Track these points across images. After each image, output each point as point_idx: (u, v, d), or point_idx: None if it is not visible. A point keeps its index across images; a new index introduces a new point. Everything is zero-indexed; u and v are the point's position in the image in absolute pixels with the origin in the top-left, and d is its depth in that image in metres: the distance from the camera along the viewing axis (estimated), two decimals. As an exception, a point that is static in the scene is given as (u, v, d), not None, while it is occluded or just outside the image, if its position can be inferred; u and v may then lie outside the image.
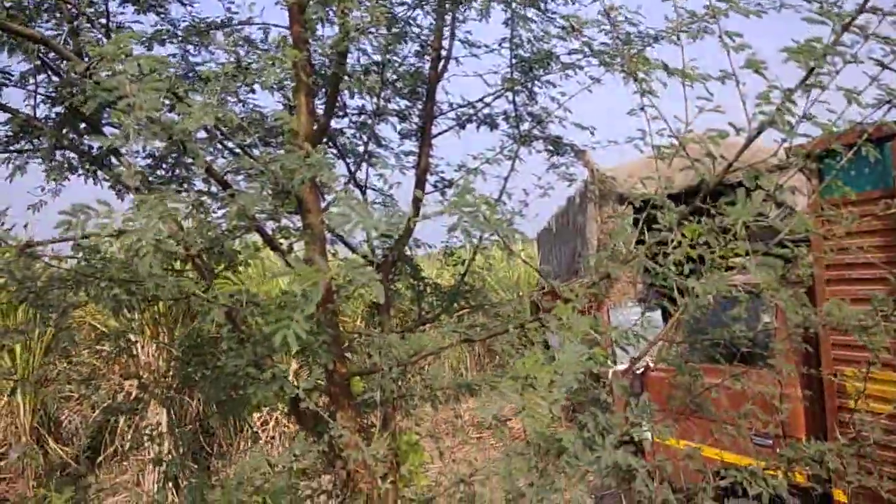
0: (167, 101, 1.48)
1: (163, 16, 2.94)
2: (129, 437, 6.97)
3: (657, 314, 5.89)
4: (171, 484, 6.68)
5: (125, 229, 1.11)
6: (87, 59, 1.65)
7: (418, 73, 3.15)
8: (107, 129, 2.61)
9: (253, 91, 3.11)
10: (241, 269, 2.35)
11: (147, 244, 1.05)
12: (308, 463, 2.29)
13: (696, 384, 2.78)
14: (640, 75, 2.97)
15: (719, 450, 3.19)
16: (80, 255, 1.70)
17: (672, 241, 1.68)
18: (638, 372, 4.68)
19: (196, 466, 6.82)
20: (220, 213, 1.99)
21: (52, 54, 2.59)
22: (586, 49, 3.15)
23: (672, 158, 2.36)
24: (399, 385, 2.28)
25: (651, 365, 4.72)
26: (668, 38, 2.98)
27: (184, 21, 2.94)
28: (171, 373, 6.75)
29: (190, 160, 1.80)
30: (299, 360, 2.08)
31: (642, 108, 3.07)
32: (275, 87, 3.05)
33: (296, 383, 1.89)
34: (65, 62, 2.40)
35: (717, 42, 2.02)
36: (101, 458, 7.43)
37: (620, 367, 5.26)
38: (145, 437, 4.86)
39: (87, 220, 1.04)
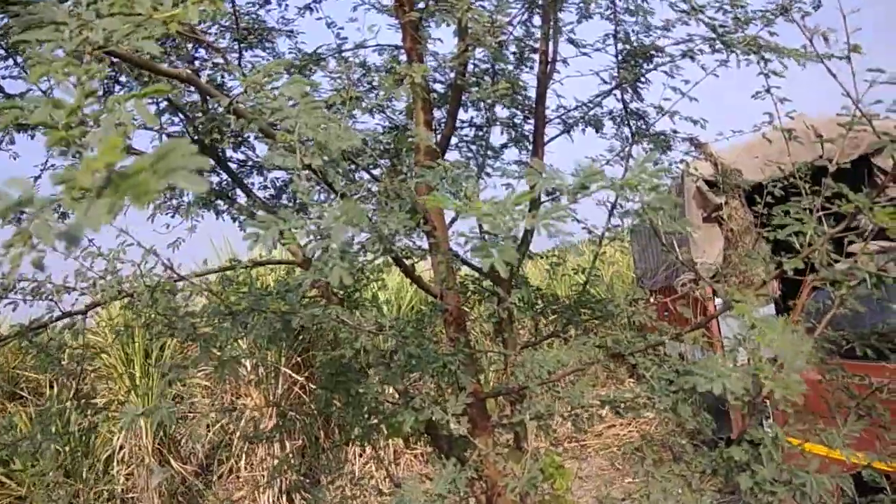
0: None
1: (269, 50, 3.01)
2: (244, 454, 7.21)
3: (770, 309, 5.50)
4: (285, 498, 6.89)
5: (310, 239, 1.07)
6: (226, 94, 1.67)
7: (518, 79, 3.07)
8: (231, 165, 2.68)
9: (353, 115, 3.13)
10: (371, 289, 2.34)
11: (336, 251, 1.01)
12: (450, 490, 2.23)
13: (850, 387, 2.53)
14: (766, 55, 2.77)
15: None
16: (229, 287, 1.72)
17: (863, 227, 1.51)
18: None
19: (308, 481, 7.00)
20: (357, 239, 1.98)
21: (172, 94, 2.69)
22: (697, 36, 2.97)
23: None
24: (539, 405, 2.19)
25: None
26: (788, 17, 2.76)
27: (290, 53, 2.99)
28: (286, 394, 6.97)
29: (325, 185, 1.80)
30: (436, 381, 2.03)
31: (768, 90, 2.86)
32: (377, 108, 3.05)
33: (442, 408, 1.84)
34: (189, 97, 2.49)
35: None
36: (217, 475, 7.74)
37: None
38: (282, 465, 4.98)
39: (277, 229, 1.01)
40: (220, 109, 1.67)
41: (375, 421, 2.05)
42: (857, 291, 1.76)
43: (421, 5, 2.29)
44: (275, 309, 1.55)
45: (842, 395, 2.53)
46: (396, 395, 2.05)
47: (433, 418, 1.97)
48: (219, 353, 1.82)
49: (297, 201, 2.60)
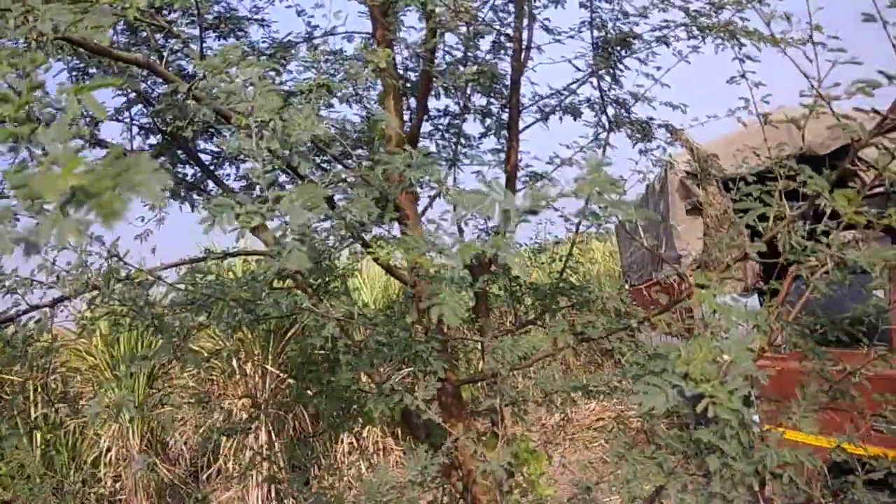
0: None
1: (242, 38, 2.98)
2: (232, 455, 7.18)
3: (754, 300, 5.53)
4: (274, 494, 6.86)
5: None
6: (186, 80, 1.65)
7: (495, 67, 3.06)
8: (203, 157, 2.65)
9: (331, 105, 3.10)
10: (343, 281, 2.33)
11: (293, 235, 0.99)
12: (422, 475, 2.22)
13: (826, 370, 2.54)
14: (741, 39, 2.77)
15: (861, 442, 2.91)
16: (198, 277, 1.70)
17: (821, 209, 1.51)
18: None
19: (298, 480, 6.98)
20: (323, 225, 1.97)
21: (143, 85, 2.67)
22: (672, 22, 2.97)
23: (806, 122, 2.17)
24: (512, 389, 2.19)
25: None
26: None
27: (263, 42, 2.97)
28: (272, 391, 6.95)
29: (290, 175, 1.78)
30: (411, 369, 2.02)
31: (743, 76, 2.86)
32: (353, 98, 3.03)
33: (414, 395, 1.83)
34: (160, 89, 2.46)
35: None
36: (205, 476, 7.70)
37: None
38: (257, 457, 4.98)
39: (233, 213, 0.99)
40: (180, 95, 1.65)
41: (349, 409, 2.04)
42: (828, 277, 1.76)
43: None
44: (235, 297, 1.53)
45: (818, 381, 2.54)
46: (372, 384, 2.04)
47: (405, 404, 1.96)
48: (188, 345, 1.80)
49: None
